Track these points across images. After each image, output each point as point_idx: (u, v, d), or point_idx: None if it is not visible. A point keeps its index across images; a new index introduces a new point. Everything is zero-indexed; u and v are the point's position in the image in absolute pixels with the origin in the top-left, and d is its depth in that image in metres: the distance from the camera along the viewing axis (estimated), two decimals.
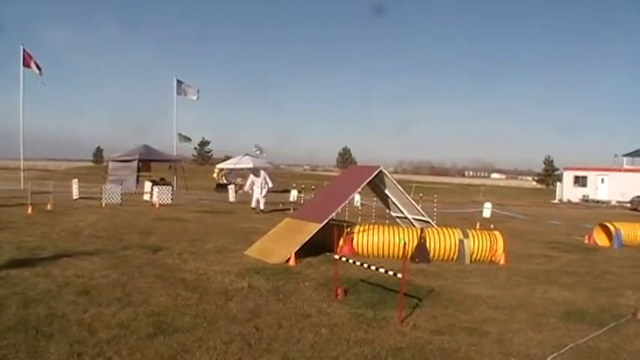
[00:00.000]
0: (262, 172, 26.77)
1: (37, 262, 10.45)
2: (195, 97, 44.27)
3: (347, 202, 14.59)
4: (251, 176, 27.04)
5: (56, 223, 16.59)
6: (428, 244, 12.91)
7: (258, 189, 25.84)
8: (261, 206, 25.36)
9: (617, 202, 51.19)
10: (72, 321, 6.88)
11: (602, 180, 56.48)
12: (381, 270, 8.11)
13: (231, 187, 33.93)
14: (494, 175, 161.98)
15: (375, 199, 18.65)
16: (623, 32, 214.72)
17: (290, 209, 22.09)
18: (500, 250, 13.30)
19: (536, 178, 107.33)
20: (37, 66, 35.23)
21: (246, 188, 26.47)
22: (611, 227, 17.99)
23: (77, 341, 6.12)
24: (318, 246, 12.44)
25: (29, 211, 19.39)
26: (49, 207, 20.93)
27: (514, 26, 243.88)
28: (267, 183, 26.17)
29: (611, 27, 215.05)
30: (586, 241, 18.59)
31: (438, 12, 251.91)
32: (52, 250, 11.94)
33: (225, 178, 45.45)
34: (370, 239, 13.07)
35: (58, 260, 10.70)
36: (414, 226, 14.80)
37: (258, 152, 45.86)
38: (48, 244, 12.79)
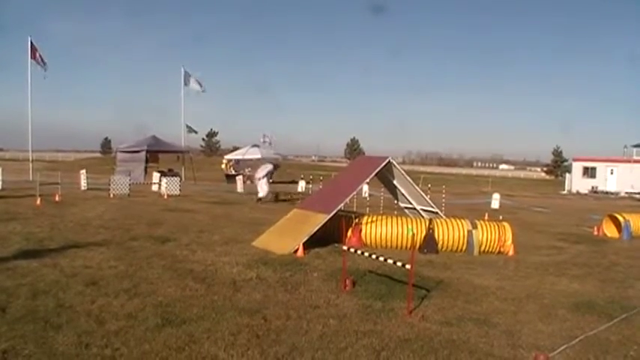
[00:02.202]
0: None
1: (46, 253, 10.48)
2: (200, 89, 44.21)
3: (355, 192, 14.54)
4: (269, 166, 26.92)
5: (64, 214, 16.62)
6: (436, 235, 12.87)
7: (267, 179, 25.84)
8: (263, 194, 25.46)
9: (627, 193, 51.04)
10: (80, 312, 6.88)
11: (612, 171, 56.30)
12: (390, 261, 8.09)
13: (239, 178, 33.94)
14: (503, 166, 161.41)
15: (382, 189, 18.61)
16: (629, 24, 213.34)
17: (299, 199, 22.03)
18: (509, 241, 13.24)
19: (544, 169, 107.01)
20: (42, 59, 35.29)
21: (260, 175, 26.13)
22: (621, 218, 17.90)
23: (85, 332, 6.12)
24: (326, 237, 12.43)
25: (38, 202, 19.43)
26: (57, 198, 20.97)
27: (520, 17, 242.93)
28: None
29: (617, 20, 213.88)
30: (595, 233, 18.51)
31: (445, 3, 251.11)
32: (61, 241, 11.96)
33: (234, 169, 45.53)
34: (378, 230, 13.04)
35: (66, 251, 10.72)
36: (422, 216, 14.76)
37: (266, 143, 45.94)
38: (56, 234, 12.81)
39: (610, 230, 18.33)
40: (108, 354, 5.58)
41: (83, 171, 28.89)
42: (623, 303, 8.78)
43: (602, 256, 13.78)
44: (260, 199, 25.15)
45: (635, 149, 58.66)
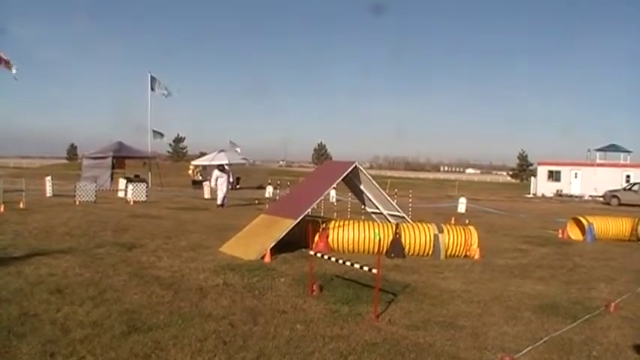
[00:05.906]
0: (227, 169, 27.06)
1: (10, 261, 10.30)
2: (166, 93, 43.78)
3: (322, 197, 14.57)
4: (215, 171, 27.12)
5: (29, 222, 16.37)
6: (403, 240, 12.93)
7: (224, 185, 26.00)
8: (219, 201, 25.63)
9: (590, 196, 51.84)
10: (45, 320, 6.79)
11: (576, 175, 57.25)
12: (357, 265, 8.12)
13: (206, 184, 33.85)
14: (469, 170, 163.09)
15: (350, 194, 18.67)
16: (597, 29, 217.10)
17: (266, 204, 22.01)
18: (475, 245, 13.36)
19: (510, 172, 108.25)
20: (7, 62, 34.40)
21: (212, 185, 26.42)
22: (584, 221, 18.18)
23: (50, 341, 6.04)
24: (294, 242, 12.42)
25: (1, 209, 19.10)
26: (21, 205, 20.65)
27: (485, 18, 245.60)
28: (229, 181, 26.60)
29: (586, 24, 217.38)
30: (560, 235, 18.76)
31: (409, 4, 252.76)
32: (25, 248, 11.78)
33: (200, 175, 45.34)
34: (345, 235, 13.06)
35: (30, 259, 10.55)
36: (389, 221, 14.84)
37: (233, 148, 45.83)
38: (20, 242, 12.62)
39: (574, 233, 18.60)
40: None
41: (48, 177, 28.54)
42: (586, 304, 8.92)
43: (566, 258, 13.98)
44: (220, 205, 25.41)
45: (598, 153, 59.85)
